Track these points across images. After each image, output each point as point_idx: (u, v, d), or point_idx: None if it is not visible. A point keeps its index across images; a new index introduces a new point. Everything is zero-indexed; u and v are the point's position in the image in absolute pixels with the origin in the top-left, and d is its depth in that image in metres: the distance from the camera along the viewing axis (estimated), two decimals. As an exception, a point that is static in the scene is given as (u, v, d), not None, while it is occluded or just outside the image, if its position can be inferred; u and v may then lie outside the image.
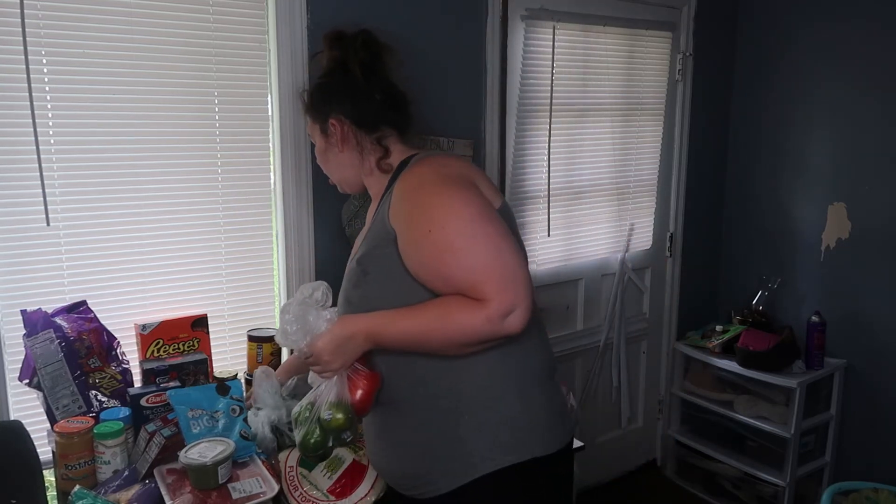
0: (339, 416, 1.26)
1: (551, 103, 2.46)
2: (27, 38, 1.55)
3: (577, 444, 1.57)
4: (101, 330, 1.66)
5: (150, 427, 1.48)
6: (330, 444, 1.29)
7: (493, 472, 1.21)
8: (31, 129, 1.58)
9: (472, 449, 1.22)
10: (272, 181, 1.98)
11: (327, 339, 1.24)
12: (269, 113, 1.94)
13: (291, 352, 1.95)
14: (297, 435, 1.31)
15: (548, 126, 2.47)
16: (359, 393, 1.25)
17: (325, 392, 1.28)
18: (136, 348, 1.77)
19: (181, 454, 1.39)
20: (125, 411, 1.54)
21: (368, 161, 1.38)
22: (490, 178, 1.45)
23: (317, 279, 2.03)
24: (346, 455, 1.53)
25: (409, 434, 1.28)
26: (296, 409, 1.33)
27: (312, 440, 1.28)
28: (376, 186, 1.39)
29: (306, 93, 1.46)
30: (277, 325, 1.29)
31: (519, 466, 1.22)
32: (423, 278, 1.19)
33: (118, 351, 1.69)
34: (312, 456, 1.34)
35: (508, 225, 1.24)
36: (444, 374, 1.23)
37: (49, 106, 1.62)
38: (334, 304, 1.34)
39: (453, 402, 1.23)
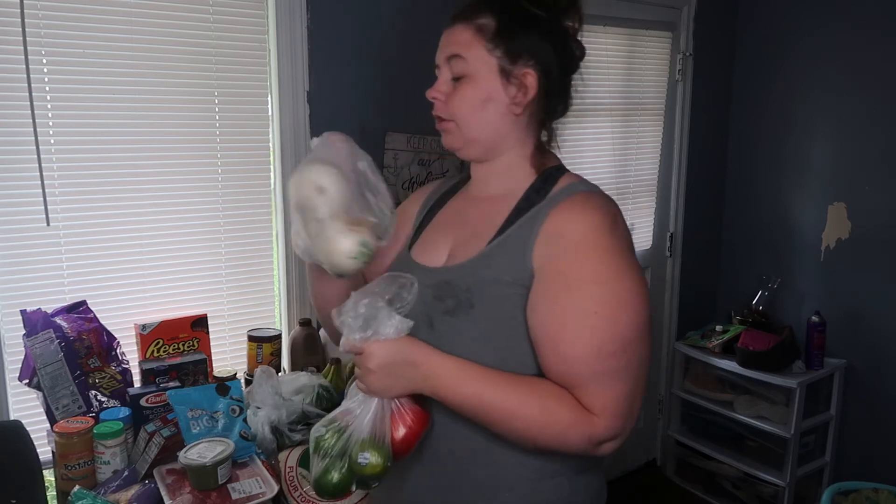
0: (377, 460, 0.98)
1: (551, 103, 2.46)
2: (27, 38, 1.55)
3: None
4: (101, 330, 1.66)
5: (150, 427, 1.48)
6: (353, 488, 1.03)
7: None
8: (31, 129, 1.58)
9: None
10: (272, 181, 1.98)
11: (384, 351, 0.96)
12: (269, 113, 1.94)
13: (293, 351, 1.95)
14: (315, 466, 1.03)
15: (548, 126, 2.47)
16: (403, 432, 1.00)
17: (360, 421, 1.00)
18: (135, 348, 1.77)
19: (181, 454, 1.39)
20: (125, 411, 1.54)
21: (527, 142, 1.08)
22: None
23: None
24: (345, 455, 1.53)
25: (454, 470, 1.07)
26: (318, 428, 1.03)
27: (334, 480, 1.01)
28: (509, 180, 1.09)
29: (496, 4, 1.04)
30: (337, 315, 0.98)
31: None
32: (538, 343, 0.97)
33: (118, 351, 1.69)
34: (327, 496, 1.05)
35: None
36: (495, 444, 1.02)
37: (49, 106, 1.62)
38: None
39: (501, 468, 1.04)
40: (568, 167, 1.14)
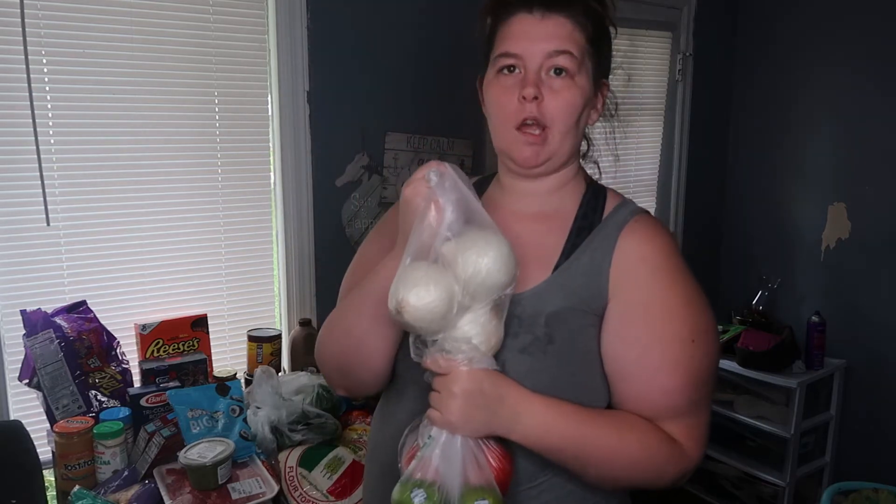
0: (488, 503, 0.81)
1: (551, 103, 2.46)
2: (27, 38, 1.55)
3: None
4: (101, 330, 1.66)
5: (150, 427, 1.48)
6: None
7: None
8: (31, 129, 1.58)
9: None
10: (272, 181, 1.98)
11: (474, 375, 0.82)
12: (269, 113, 1.94)
13: (293, 351, 1.95)
14: None
15: (548, 126, 2.47)
16: (502, 467, 0.84)
17: (451, 468, 0.82)
18: (135, 348, 1.76)
19: (181, 454, 1.39)
20: (125, 411, 1.54)
21: (577, 155, 1.02)
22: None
23: (317, 280, 2.03)
24: (345, 455, 1.53)
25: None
26: (398, 492, 0.83)
27: None
28: (563, 195, 1.00)
29: (605, 17, 0.97)
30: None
31: None
32: (626, 375, 0.91)
33: (118, 351, 1.69)
34: None
35: None
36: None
37: (49, 106, 1.62)
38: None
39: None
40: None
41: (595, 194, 1.01)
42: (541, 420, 0.85)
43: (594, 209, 0.98)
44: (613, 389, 0.93)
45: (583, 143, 1.02)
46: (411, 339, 0.85)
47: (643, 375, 0.90)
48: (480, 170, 2.21)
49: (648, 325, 0.90)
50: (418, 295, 0.78)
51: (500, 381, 0.85)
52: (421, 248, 0.81)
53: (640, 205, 1.03)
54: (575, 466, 0.88)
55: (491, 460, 0.83)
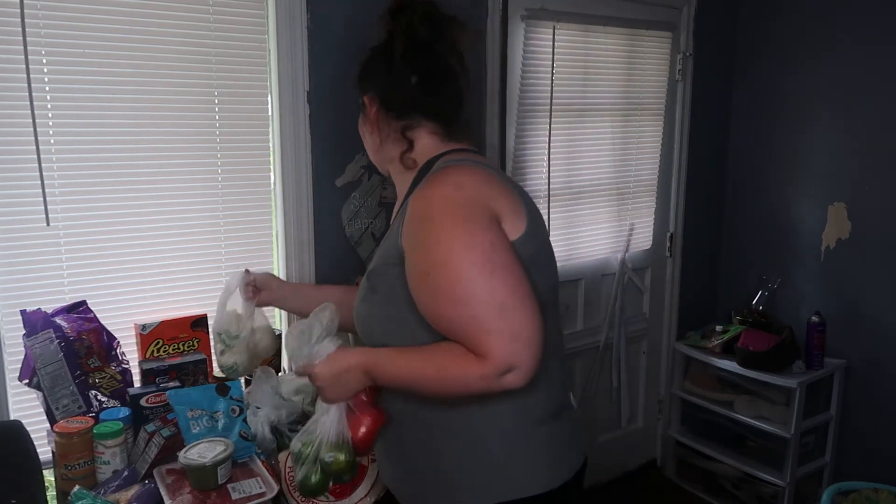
0: (341, 457, 1.21)
1: (551, 103, 2.46)
2: (27, 38, 1.55)
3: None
4: (101, 330, 1.66)
5: (150, 427, 1.48)
6: (331, 485, 1.27)
7: None
8: (31, 129, 1.58)
9: (458, 484, 1.19)
10: (272, 181, 1.98)
11: (324, 367, 1.20)
12: (269, 113, 1.94)
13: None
14: (298, 474, 1.29)
15: (548, 126, 2.47)
16: (361, 431, 1.20)
17: (326, 428, 1.22)
18: (135, 348, 1.77)
19: (181, 454, 1.39)
20: (125, 411, 1.54)
21: (390, 151, 1.28)
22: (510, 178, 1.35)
23: (316, 280, 2.03)
24: (345, 455, 1.54)
25: (405, 456, 1.27)
26: (295, 442, 1.28)
27: (313, 481, 1.26)
28: (401, 184, 1.30)
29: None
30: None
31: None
32: (423, 315, 1.13)
33: (118, 351, 1.69)
34: (311, 495, 1.32)
35: (536, 239, 1.18)
36: (431, 408, 1.19)
37: (49, 106, 1.62)
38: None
39: (438, 437, 1.20)
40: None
41: (422, 175, 1.22)
42: (369, 368, 1.17)
43: (416, 183, 1.22)
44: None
45: (403, 142, 1.27)
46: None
47: (421, 309, 1.12)
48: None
49: (410, 266, 1.13)
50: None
51: (343, 356, 1.20)
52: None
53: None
54: (413, 390, 1.15)
55: (361, 420, 1.19)
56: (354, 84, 1.33)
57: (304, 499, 1.43)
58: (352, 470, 1.24)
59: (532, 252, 1.16)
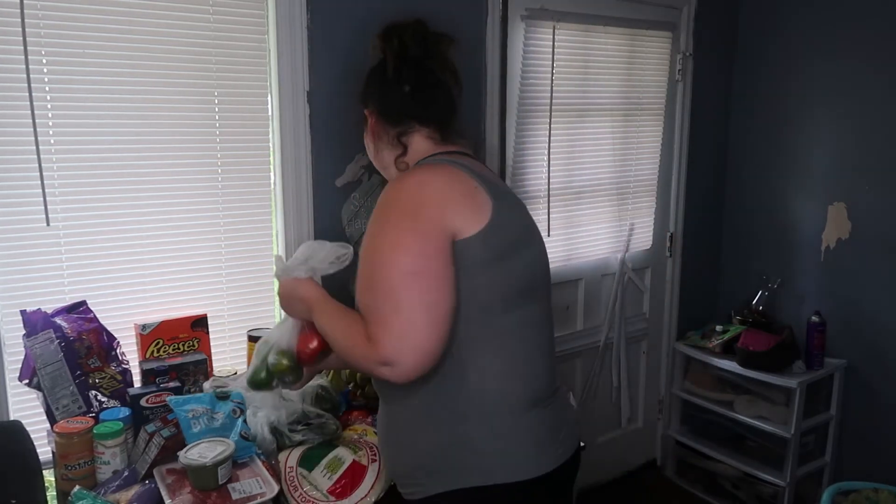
0: (284, 362, 1.34)
1: (551, 103, 2.46)
2: (27, 38, 1.55)
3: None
4: (101, 330, 1.66)
5: (150, 427, 1.48)
6: (274, 384, 1.39)
7: (446, 492, 1.22)
8: (31, 129, 1.58)
9: (438, 465, 1.23)
10: (272, 181, 1.98)
11: (287, 285, 1.33)
12: (269, 113, 1.94)
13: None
14: (251, 366, 1.40)
15: (548, 126, 2.47)
16: (309, 347, 1.33)
17: (279, 335, 1.36)
18: (135, 348, 1.77)
19: (181, 454, 1.39)
20: (125, 411, 1.54)
21: (387, 156, 1.38)
22: (494, 177, 1.38)
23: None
24: (346, 455, 1.53)
25: (394, 438, 1.33)
26: (260, 343, 1.40)
27: (258, 378, 1.38)
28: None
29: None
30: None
31: (475, 490, 1.21)
32: None
33: (118, 351, 1.69)
34: (254, 389, 1.42)
35: (503, 232, 1.21)
36: (415, 390, 1.22)
37: (49, 106, 1.62)
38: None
39: (409, 416, 1.27)
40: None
41: None
42: (312, 308, 1.28)
43: None
44: None
45: (398, 147, 1.36)
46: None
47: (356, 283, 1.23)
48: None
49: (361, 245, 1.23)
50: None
51: (304, 286, 1.31)
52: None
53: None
54: (328, 342, 1.27)
55: (312, 339, 1.33)
56: (358, 100, 1.44)
57: (303, 499, 1.43)
58: (293, 374, 1.36)
59: (496, 246, 1.20)
